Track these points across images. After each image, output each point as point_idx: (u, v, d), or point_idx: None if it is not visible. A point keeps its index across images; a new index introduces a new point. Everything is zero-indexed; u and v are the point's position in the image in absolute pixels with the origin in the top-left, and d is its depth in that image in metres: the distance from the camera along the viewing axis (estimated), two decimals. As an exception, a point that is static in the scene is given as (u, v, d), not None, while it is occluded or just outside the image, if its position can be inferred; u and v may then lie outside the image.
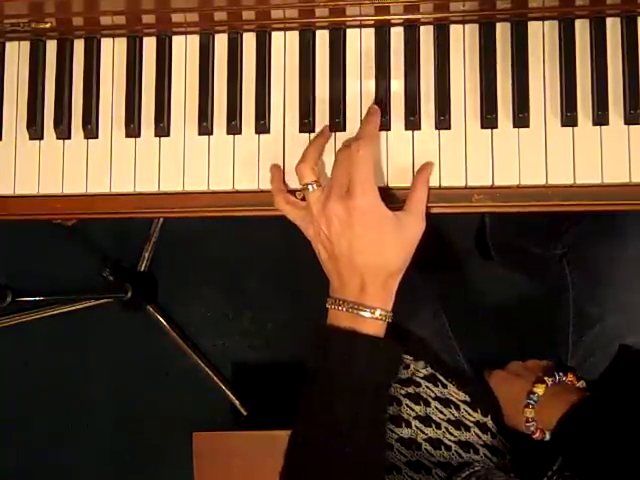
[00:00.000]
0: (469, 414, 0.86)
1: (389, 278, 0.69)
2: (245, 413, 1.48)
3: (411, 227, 0.70)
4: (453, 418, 0.85)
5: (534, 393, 0.82)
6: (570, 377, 0.84)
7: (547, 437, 0.81)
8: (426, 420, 0.84)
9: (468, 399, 0.87)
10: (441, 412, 0.85)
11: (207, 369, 1.49)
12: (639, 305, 0.87)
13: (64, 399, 1.56)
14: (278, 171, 0.75)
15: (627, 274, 0.86)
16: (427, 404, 0.85)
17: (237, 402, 1.48)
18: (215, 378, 1.49)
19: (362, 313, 0.68)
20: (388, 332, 0.70)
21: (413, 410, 0.84)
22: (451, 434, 0.85)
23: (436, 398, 0.86)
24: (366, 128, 0.72)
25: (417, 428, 0.84)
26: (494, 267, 1.25)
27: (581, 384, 0.84)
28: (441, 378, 0.86)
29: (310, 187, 0.70)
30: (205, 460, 1.14)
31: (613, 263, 0.87)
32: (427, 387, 0.86)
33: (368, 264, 0.68)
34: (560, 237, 0.94)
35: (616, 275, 0.86)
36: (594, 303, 0.88)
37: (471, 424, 0.86)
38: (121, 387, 1.54)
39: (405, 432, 0.83)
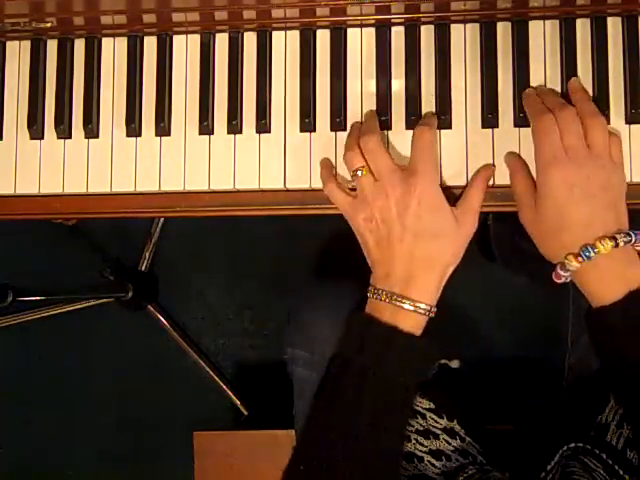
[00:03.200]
0: (435, 421, 0.84)
1: (439, 271, 0.68)
2: (245, 412, 1.48)
3: (466, 222, 0.69)
4: (421, 428, 0.83)
5: (595, 248, 0.65)
6: None
7: (568, 278, 0.68)
8: None
9: (432, 406, 0.84)
10: (409, 424, 0.82)
11: (207, 368, 1.49)
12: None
13: (64, 399, 1.56)
14: (327, 161, 0.75)
15: None
16: None
17: (237, 401, 1.48)
18: (215, 377, 1.49)
19: (405, 306, 0.66)
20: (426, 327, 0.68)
21: None
22: (421, 445, 0.82)
23: None
24: (429, 117, 0.73)
25: None
26: (496, 268, 1.26)
27: None
28: None
29: (359, 172, 0.69)
30: (206, 459, 1.14)
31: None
32: None
33: (420, 251, 0.67)
34: None
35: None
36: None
37: (439, 431, 0.83)
38: (122, 386, 1.54)
39: None
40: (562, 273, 0.68)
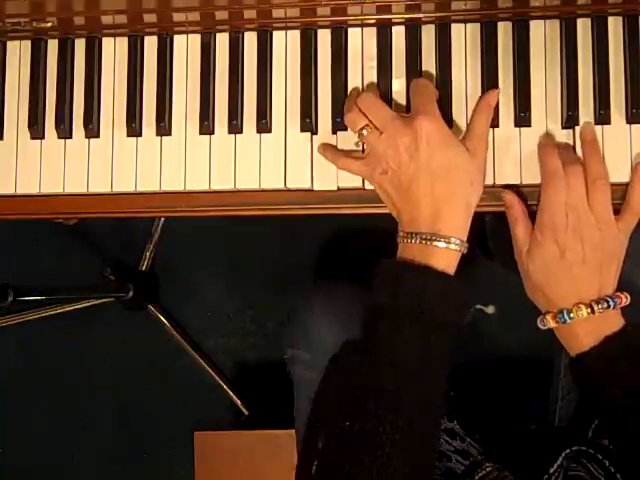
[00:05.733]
0: None
1: (462, 204, 0.67)
2: (246, 412, 1.48)
3: (477, 150, 0.69)
4: None
5: (571, 313, 0.68)
6: (623, 299, 0.69)
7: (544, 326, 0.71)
8: None
9: None
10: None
11: (208, 368, 1.49)
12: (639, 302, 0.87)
13: (64, 399, 1.56)
14: (325, 144, 0.75)
15: (627, 271, 0.85)
16: None
17: (238, 401, 1.48)
18: (216, 377, 1.49)
19: (436, 244, 0.65)
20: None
21: None
22: None
23: None
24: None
25: None
26: (494, 266, 1.25)
27: (626, 301, 0.70)
28: None
29: (365, 131, 0.69)
30: (206, 459, 1.15)
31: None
32: None
33: (439, 188, 0.66)
34: None
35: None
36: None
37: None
38: (122, 386, 1.54)
39: None
40: (541, 326, 0.71)
